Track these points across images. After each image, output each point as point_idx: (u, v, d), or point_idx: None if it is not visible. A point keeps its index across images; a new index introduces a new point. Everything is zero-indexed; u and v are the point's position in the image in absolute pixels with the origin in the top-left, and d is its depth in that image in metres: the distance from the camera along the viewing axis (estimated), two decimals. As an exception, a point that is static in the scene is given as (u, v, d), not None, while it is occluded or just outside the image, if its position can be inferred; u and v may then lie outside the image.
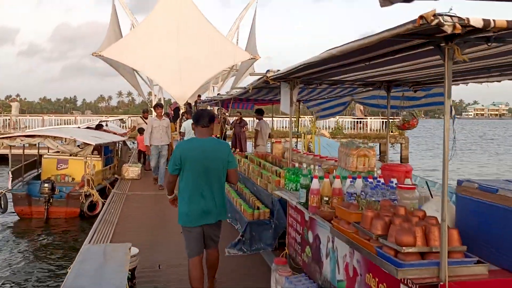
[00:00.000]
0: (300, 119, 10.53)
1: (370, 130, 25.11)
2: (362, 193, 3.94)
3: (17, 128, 25.16)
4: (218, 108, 14.51)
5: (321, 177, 4.30)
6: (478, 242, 2.86)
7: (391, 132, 24.62)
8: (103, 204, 9.72)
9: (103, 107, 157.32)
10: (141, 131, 13.78)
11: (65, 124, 26.33)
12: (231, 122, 14.64)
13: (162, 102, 27.74)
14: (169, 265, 5.56)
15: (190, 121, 11.31)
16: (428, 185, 3.63)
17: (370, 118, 25.30)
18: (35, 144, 11.41)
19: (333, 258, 3.94)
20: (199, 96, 24.73)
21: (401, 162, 23.42)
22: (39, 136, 10.35)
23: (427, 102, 6.52)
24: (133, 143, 17.91)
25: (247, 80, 28.14)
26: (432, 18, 1.97)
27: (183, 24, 22.04)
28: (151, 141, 10.57)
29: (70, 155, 10.92)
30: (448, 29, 2.01)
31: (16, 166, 11.00)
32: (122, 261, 3.90)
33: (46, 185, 10.00)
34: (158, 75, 22.05)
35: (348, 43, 2.75)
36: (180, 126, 13.85)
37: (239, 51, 23.80)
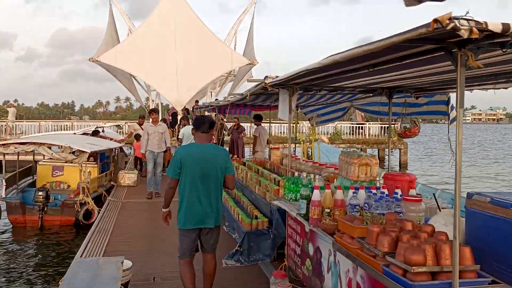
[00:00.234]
0: (298, 124, 10.36)
1: (369, 135, 24.96)
2: (366, 205, 3.78)
3: (13, 134, 24.93)
4: (216, 114, 14.34)
5: (322, 188, 4.13)
6: (491, 260, 2.69)
7: (391, 138, 24.51)
8: (99, 212, 9.52)
9: (101, 113, 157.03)
10: (137, 137, 13.59)
11: (62, 130, 26.13)
12: (228, 128, 14.47)
13: (160, 107, 27.56)
14: (164, 278, 5.37)
15: (189, 127, 11.13)
16: (435, 197, 3.45)
17: (369, 124, 25.16)
18: (31, 151, 11.19)
19: (335, 272, 3.76)
20: (197, 101, 24.57)
21: (400, 168, 23.29)
22: (33, 143, 10.14)
23: (428, 109, 6.38)
24: (130, 149, 17.70)
25: (245, 86, 28.04)
26: (447, 21, 1.82)
27: (181, 29, 21.90)
28: (147, 147, 10.29)
29: (66, 162, 10.71)
30: (465, 34, 1.85)
31: (11, 174, 10.78)
32: (115, 276, 3.72)
33: (40, 193, 9.79)
34: (156, 80, 21.88)
35: (352, 48, 2.59)
36: (178, 131, 13.67)
37: (237, 56, 23.65)
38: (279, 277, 4.84)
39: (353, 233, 3.14)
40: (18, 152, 10.49)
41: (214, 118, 14.94)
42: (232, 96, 9.59)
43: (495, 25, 1.83)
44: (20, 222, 10.14)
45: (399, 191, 3.98)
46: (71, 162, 10.43)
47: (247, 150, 14.69)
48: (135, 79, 26.58)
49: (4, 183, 10.25)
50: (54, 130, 26.24)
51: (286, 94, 4.99)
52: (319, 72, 3.64)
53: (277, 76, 4.65)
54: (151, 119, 10.65)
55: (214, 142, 13.12)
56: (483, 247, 2.77)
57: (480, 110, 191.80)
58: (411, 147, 29.15)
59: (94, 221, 8.75)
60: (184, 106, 21.76)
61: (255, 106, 10.71)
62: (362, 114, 24.58)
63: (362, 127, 24.96)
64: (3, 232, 10.08)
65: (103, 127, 17.50)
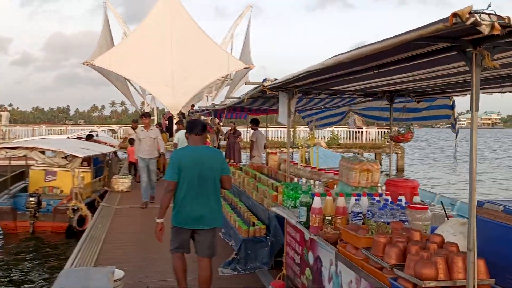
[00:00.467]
0: (295, 129, 10.20)
1: (366, 140, 24.87)
2: (369, 212, 3.62)
3: (6, 139, 24.64)
4: (212, 118, 14.18)
5: (323, 194, 3.97)
6: (504, 273, 2.53)
7: (387, 142, 24.41)
8: (92, 218, 9.31)
9: (96, 117, 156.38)
10: (131, 141, 13.38)
11: (56, 134, 25.85)
12: (225, 133, 14.32)
13: (155, 111, 27.37)
14: (159, 287, 5.17)
15: (183, 131, 10.94)
16: (443, 205, 3.29)
17: (366, 128, 25.09)
18: (22, 155, 10.97)
19: (337, 283, 3.59)
20: (193, 105, 24.43)
21: (396, 172, 23.19)
22: (25, 148, 9.93)
23: (429, 114, 6.24)
24: (124, 154, 17.48)
25: (242, 90, 27.93)
26: (467, 16, 1.66)
27: (176, 33, 21.72)
28: (139, 153, 9.89)
29: (59, 167, 10.50)
30: (485, 30, 1.70)
31: (2, 178, 10.54)
32: (105, 287, 3.54)
33: (32, 199, 9.57)
34: (151, 84, 21.67)
35: (357, 48, 2.43)
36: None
37: (233, 60, 23.51)
38: (277, 287, 4.68)
39: (357, 243, 2.97)
40: (10, 156, 10.28)
41: (210, 123, 14.80)
42: (228, 100, 9.42)
43: (520, 21, 1.68)
44: (10, 228, 9.90)
45: (403, 198, 3.82)
46: (64, 167, 10.22)
47: (244, 155, 14.52)
48: (130, 83, 26.38)
49: (-5, 188, 10.03)
50: (48, 134, 25.96)
51: (285, 97, 4.83)
52: (321, 74, 3.48)
53: (276, 79, 4.48)
54: (143, 124, 10.28)
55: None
56: (495, 259, 2.61)
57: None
58: (407, 151, 29.11)
59: (87, 227, 8.54)
60: (180, 110, 21.57)
61: (252, 110, 10.56)
62: (362, 118, 24.52)
63: (359, 131, 24.87)
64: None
65: (97, 131, 17.27)
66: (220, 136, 14.21)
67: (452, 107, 5.54)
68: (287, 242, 5.09)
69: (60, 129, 27.84)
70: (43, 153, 11.43)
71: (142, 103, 28.41)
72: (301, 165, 7.34)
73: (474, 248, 2.23)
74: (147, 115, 10.35)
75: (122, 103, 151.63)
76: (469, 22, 1.67)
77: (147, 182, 9.88)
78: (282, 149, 18.76)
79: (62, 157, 10.34)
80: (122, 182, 12.17)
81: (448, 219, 3.10)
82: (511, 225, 2.54)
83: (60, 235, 9.81)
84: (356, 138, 24.81)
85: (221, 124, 13.08)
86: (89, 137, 14.59)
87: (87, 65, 22.27)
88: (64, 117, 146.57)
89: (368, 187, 4.73)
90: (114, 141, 16.91)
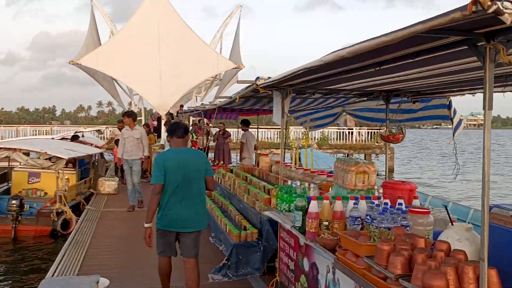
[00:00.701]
0: (287, 130, 10.02)
1: (356, 140, 24.83)
2: (368, 217, 3.45)
3: (-11, 139, 24.08)
4: (200, 119, 13.95)
5: (320, 198, 3.79)
6: (517, 283, 2.39)
7: (376, 142, 24.41)
8: (77, 221, 9.02)
9: (82, 117, 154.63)
10: (118, 142, 13.08)
11: (41, 134, 25.32)
12: (214, 134, 14.09)
13: (143, 112, 27.00)
14: (146, 295, 4.96)
15: None
16: (447, 210, 3.14)
17: (356, 129, 25.05)
18: (5, 156, 10.62)
19: (335, 292, 3.42)
20: (182, 106, 24.14)
21: (386, 173, 23.16)
22: (7, 148, 9.60)
23: (424, 115, 6.12)
24: (111, 155, 17.14)
25: (231, 90, 27.67)
26: (489, 3, 1.49)
27: (164, 32, 21.37)
28: (124, 154, 9.43)
29: (42, 168, 10.17)
30: (508, 19, 1.54)
31: (-17, 181, 10.20)
32: (89, 298, 3.31)
33: (13, 201, 9.21)
34: (138, 84, 21.26)
35: (362, 41, 2.26)
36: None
37: (223, 60, 23.23)
38: (271, 294, 4.50)
39: (358, 250, 2.80)
40: (-8, 157, 9.94)
41: (199, 124, 14.56)
42: (219, 100, 9.19)
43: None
44: (-8, 232, 9.55)
45: (402, 201, 3.66)
46: (48, 169, 9.91)
47: (234, 156, 14.31)
48: (117, 83, 25.96)
49: (-24, 191, 9.68)
50: (34, 135, 25.42)
51: (278, 97, 4.65)
52: (318, 71, 3.30)
53: (269, 77, 4.30)
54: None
55: (200, 148, 12.73)
56: (505, 267, 2.46)
57: (462, 116, 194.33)
58: (396, 152, 29.15)
59: (71, 231, 8.27)
60: (168, 111, 21.25)
61: (243, 111, 10.36)
62: (355, 119, 24.49)
63: (350, 132, 24.83)
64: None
65: (83, 132, 16.90)
66: (210, 137, 13.97)
67: (449, 107, 5.42)
68: (281, 247, 4.91)
69: (45, 130, 27.32)
70: (27, 154, 11.10)
71: (130, 104, 27.95)
72: (295, 167, 7.16)
73: (485, 258, 2.07)
74: (129, 113, 9.79)
75: (109, 104, 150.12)
76: (491, 10, 1.51)
77: (131, 185, 9.49)
78: (272, 150, 18.57)
79: (46, 159, 10.02)
80: (108, 184, 11.88)
81: (452, 224, 2.93)
82: (522, 231, 2.40)
83: (44, 239, 9.49)
84: (346, 139, 24.76)
85: (211, 125, 12.84)
86: (74, 138, 14.24)
87: (73, 64, 21.83)
88: (50, 118, 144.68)
89: (364, 189, 4.56)
90: (100, 142, 16.56)
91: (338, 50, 2.48)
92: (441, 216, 3.94)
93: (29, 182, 10.43)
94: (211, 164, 12.80)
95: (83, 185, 11.79)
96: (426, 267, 2.25)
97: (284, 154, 10.45)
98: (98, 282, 3.68)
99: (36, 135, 25.68)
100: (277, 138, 24.38)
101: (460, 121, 5.83)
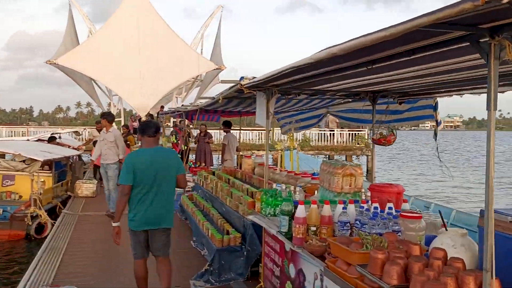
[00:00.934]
0: (271, 131, 9.86)
1: (337, 142, 24.89)
2: (357, 222, 3.32)
3: (-38, 141, 23.21)
4: (181, 120, 13.69)
5: (307, 202, 3.65)
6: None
7: (357, 144, 24.51)
8: (53, 225, 8.69)
9: (61, 118, 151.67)
10: (96, 144, 12.74)
11: (17, 136, 24.59)
12: (195, 135, 13.85)
13: (122, 113, 26.52)
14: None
15: None
16: (441, 215, 3.02)
17: (337, 130, 25.10)
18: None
19: (323, 300, 3.28)
20: (162, 107, 23.78)
21: (367, 174, 23.26)
22: (-21, 150, 9.20)
23: (410, 116, 6.04)
24: (89, 157, 16.71)
25: (212, 91, 27.37)
26: (505, -8, 1.37)
27: (145, 32, 20.94)
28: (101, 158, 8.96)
29: (17, 171, 9.80)
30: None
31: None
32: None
33: (-14, 205, 8.85)
34: (117, 84, 20.76)
35: (355, 38, 2.11)
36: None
37: (204, 61, 22.93)
38: (255, 301, 4.34)
39: (350, 259, 2.66)
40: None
41: (179, 125, 14.29)
42: (200, 101, 8.96)
43: None
44: (-38, 237, 9.14)
45: (392, 205, 3.54)
46: (23, 171, 9.55)
47: (215, 158, 14.09)
48: (96, 83, 25.38)
49: None
50: (10, 136, 24.66)
51: (263, 97, 4.50)
52: (307, 70, 3.15)
53: (254, 77, 4.14)
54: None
55: (180, 150, 12.48)
56: (504, 276, 2.34)
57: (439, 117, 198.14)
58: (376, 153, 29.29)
59: (47, 236, 7.95)
60: (148, 112, 20.84)
61: (225, 112, 10.16)
62: (337, 120, 24.51)
63: (331, 134, 24.87)
64: None
65: (60, 133, 16.42)
66: (191, 139, 13.72)
67: (435, 108, 5.35)
68: (265, 253, 4.75)
69: (22, 131, 26.56)
70: (2, 156, 10.70)
71: (109, 105, 27.36)
72: (281, 169, 7.01)
73: (492, 268, 1.95)
74: (105, 115, 9.23)
75: (88, 104, 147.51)
76: (505, 0, 1.38)
77: (107, 186, 8.98)
78: (254, 151, 18.42)
79: (21, 161, 9.66)
80: (86, 187, 11.53)
81: (447, 230, 2.82)
82: (523, 238, 2.29)
83: (18, 244, 9.11)
84: (327, 141, 24.80)
85: (191, 126, 12.59)
86: (51, 140, 13.82)
87: (50, 64, 21.23)
88: (27, 119, 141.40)
89: (351, 192, 4.45)
90: (78, 144, 16.14)
91: (330, 47, 2.34)
92: (431, 220, 3.84)
93: (3, 185, 10.06)
94: (193, 166, 12.65)
95: (60, 188, 11.43)
96: (425, 277, 2.12)
97: (267, 156, 10.32)
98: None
99: (12, 136, 24.93)
100: (259, 139, 24.23)
101: (440, 122, 5.80)
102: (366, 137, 24.77)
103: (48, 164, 10.70)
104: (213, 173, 8.39)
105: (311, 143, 24.09)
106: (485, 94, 4.14)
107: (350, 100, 5.85)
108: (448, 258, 2.46)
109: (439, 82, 3.80)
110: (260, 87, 4.41)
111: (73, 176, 12.61)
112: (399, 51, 2.38)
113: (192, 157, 14.48)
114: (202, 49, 27.44)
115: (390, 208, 3.45)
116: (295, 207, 3.63)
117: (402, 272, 2.29)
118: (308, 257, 3.40)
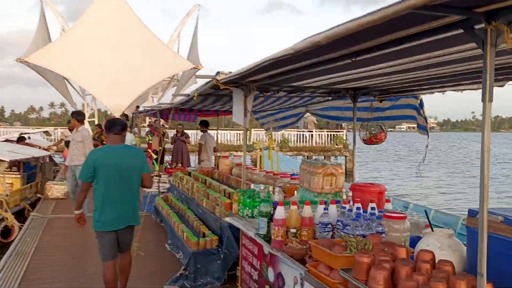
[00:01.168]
0: (248, 131, 9.66)
1: (316, 143, 24.86)
2: (339, 223, 3.17)
3: None
4: (156, 120, 13.36)
5: (286, 203, 3.47)
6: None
7: (336, 145, 24.57)
8: (20, 228, 8.29)
9: (33, 119, 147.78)
10: (68, 144, 12.29)
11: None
12: (171, 136, 13.53)
13: (96, 113, 25.86)
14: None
15: (128, 134, 10.01)
16: (427, 215, 2.90)
17: (316, 131, 25.08)
18: None
19: (303, 305, 3.11)
20: (137, 107, 23.30)
21: (346, 175, 23.33)
22: None
23: (391, 114, 5.95)
24: (61, 157, 16.18)
25: (189, 91, 26.91)
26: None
27: (119, 29, 20.38)
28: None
29: (-17, 172, 9.34)
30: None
31: None
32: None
33: None
34: (90, 83, 20.11)
35: (341, 24, 1.95)
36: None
37: (181, 60, 22.51)
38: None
39: (333, 263, 2.49)
40: None
41: (154, 124, 13.95)
42: (176, 100, 8.66)
43: None
44: None
45: (375, 205, 3.41)
46: (-12, 172, 9.10)
47: (193, 159, 13.80)
48: (69, 83, 24.62)
49: None
50: (-23, 137, 23.72)
51: (240, 94, 4.31)
52: (286, 63, 2.98)
53: (230, 72, 3.95)
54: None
55: (155, 150, 12.14)
56: (495, 279, 2.22)
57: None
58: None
59: (14, 240, 7.57)
60: (123, 112, 20.33)
61: (202, 111, 9.91)
62: (315, 121, 24.45)
63: (310, 134, 24.83)
64: None
65: (29, 133, 15.84)
66: (166, 139, 13.38)
67: (420, 106, 5.25)
68: (243, 255, 4.56)
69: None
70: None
71: (83, 105, 26.66)
72: (260, 170, 6.83)
73: (484, 272, 1.81)
74: (75, 114, 8.66)
75: (62, 105, 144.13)
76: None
77: (72, 189, 8.32)
78: (232, 152, 18.19)
79: (-14, 162, 9.20)
80: (57, 189, 11.09)
81: (433, 231, 2.69)
82: (514, 239, 2.17)
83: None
84: (306, 142, 24.75)
85: (166, 126, 12.28)
86: (20, 140, 13.31)
87: (20, 62, 20.47)
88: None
89: (332, 193, 4.30)
90: (47, 144, 15.61)
91: (313, 35, 2.16)
92: (414, 220, 3.73)
93: (-32, 186, 9.56)
94: (169, 166, 12.33)
95: (29, 190, 10.97)
96: (414, 283, 1.96)
97: (245, 156, 10.13)
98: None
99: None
100: (237, 140, 23.97)
101: (426, 118, 5.73)
102: (345, 138, 24.84)
103: (16, 165, 10.27)
104: (189, 174, 8.16)
105: (289, 144, 24.00)
106: (464, 93, 4.06)
107: (330, 98, 5.72)
108: (436, 261, 2.32)
109: (422, 78, 3.69)
110: (237, 83, 4.22)
111: (43, 178, 12.14)
112: (387, 39, 2.23)
113: (168, 157, 14.16)
114: (178, 48, 27.04)
115: (373, 208, 3.32)
116: (274, 208, 3.46)
117: (389, 277, 2.14)
118: (287, 261, 3.23)
